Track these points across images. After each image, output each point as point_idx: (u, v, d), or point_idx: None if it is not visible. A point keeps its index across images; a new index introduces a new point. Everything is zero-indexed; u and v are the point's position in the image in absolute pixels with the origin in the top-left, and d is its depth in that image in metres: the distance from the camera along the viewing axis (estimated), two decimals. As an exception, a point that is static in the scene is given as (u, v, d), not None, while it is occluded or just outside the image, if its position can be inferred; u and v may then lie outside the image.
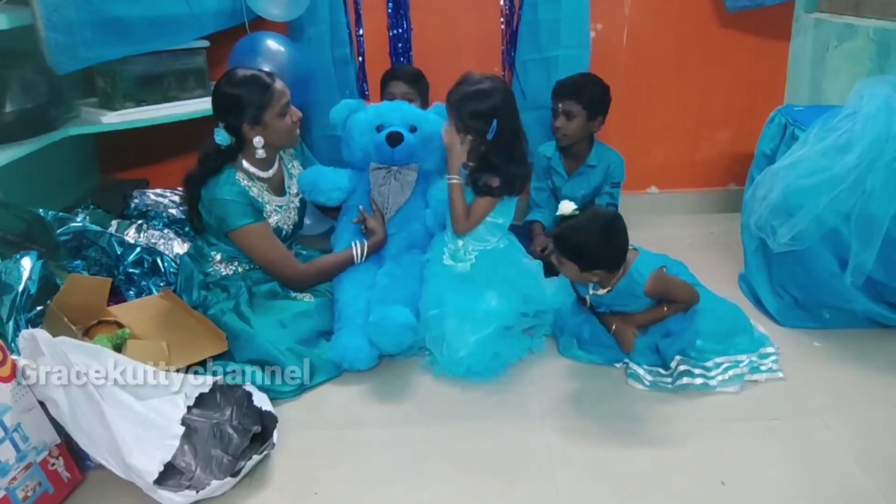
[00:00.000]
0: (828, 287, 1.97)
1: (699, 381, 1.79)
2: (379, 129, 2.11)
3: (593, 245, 1.77)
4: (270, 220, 2.03)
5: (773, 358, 1.87)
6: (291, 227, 2.14)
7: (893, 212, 1.82)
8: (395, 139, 2.08)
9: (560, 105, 2.43)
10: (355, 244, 2.06)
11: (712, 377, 1.80)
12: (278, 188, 2.11)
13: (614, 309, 1.93)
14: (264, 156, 2.01)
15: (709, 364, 1.82)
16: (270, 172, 2.07)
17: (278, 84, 1.98)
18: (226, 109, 1.95)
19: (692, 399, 1.77)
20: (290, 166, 2.18)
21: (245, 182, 1.99)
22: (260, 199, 2.01)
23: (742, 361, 1.84)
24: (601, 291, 1.89)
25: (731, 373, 1.81)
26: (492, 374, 1.87)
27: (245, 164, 2.02)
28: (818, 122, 2.01)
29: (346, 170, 2.20)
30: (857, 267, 1.87)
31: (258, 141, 1.97)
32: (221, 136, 1.96)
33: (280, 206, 2.08)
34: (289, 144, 2.10)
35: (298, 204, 2.17)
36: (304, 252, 2.28)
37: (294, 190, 2.16)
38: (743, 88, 2.91)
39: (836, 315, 2.03)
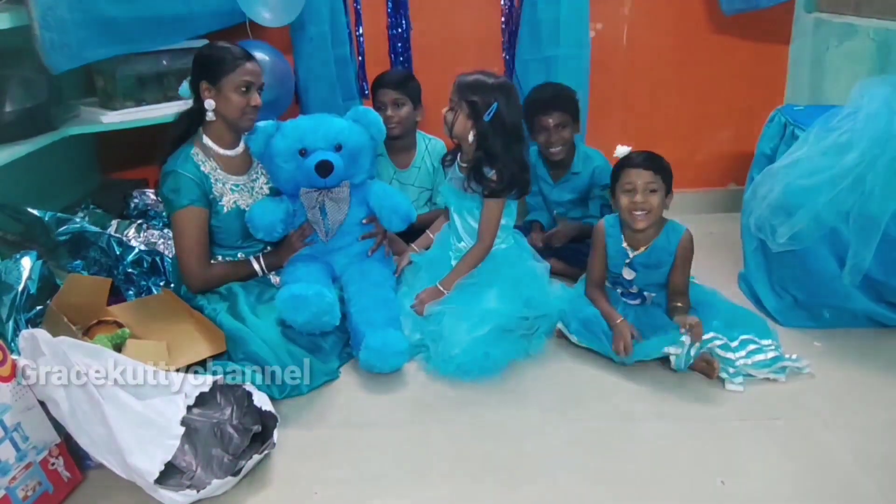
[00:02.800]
0: (827, 286, 1.98)
1: (719, 343, 1.82)
2: (302, 152, 2.04)
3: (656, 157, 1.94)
4: (226, 200, 2.02)
5: (796, 356, 1.86)
6: None
7: (893, 211, 1.82)
8: (324, 169, 2.01)
9: (551, 119, 2.38)
10: (254, 258, 2.09)
11: (734, 349, 1.81)
12: (239, 169, 2.10)
13: (641, 283, 1.97)
14: (213, 118, 2.00)
15: (734, 343, 1.82)
16: (232, 152, 2.07)
17: (250, 64, 1.98)
18: (196, 64, 2.00)
19: (692, 398, 1.77)
20: None
21: (199, 157, 2.00)
22: (210, 177, 2.01)
23: (768, 346, 1.83)
24: (641, 249, 1.94)
25: (754, 357, 1.81)
26: (482, 374, 1.86)
27: (205, 138, 2.03)
28: (818, 122, 2.01)
29: (283, 201, 2.12)
30: (854, 266, 1.87)
31: (209, 104, 1.99)
32: (183, 89, 2.04)
33: (237, 185, 2.07)
34: (238, 123, 2.03)
35: (267, 191, 2.14)
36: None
37: (262, 179, 2.14)
38: (743, 88, 2.91)
39: (836, 314, 2.04)
